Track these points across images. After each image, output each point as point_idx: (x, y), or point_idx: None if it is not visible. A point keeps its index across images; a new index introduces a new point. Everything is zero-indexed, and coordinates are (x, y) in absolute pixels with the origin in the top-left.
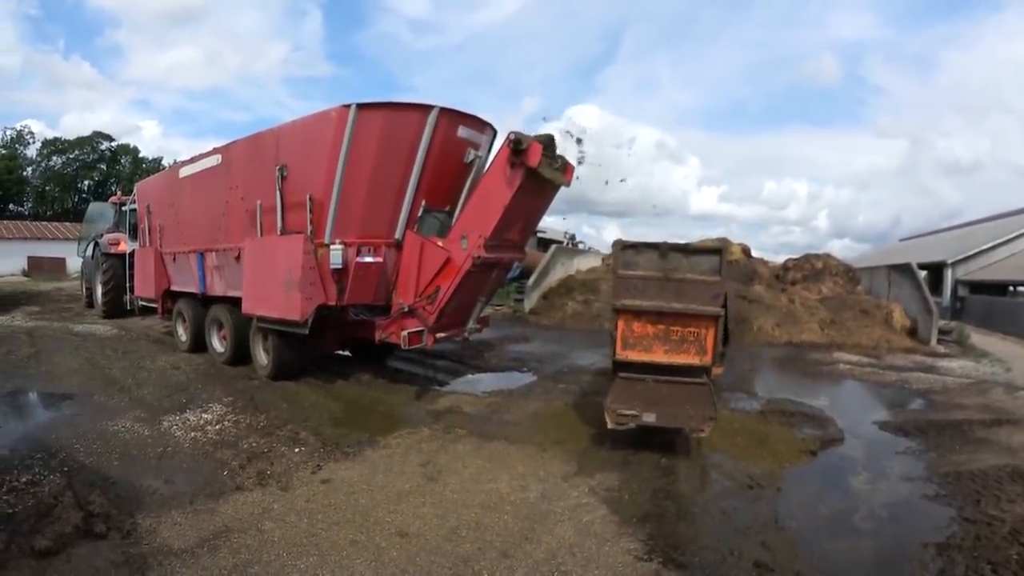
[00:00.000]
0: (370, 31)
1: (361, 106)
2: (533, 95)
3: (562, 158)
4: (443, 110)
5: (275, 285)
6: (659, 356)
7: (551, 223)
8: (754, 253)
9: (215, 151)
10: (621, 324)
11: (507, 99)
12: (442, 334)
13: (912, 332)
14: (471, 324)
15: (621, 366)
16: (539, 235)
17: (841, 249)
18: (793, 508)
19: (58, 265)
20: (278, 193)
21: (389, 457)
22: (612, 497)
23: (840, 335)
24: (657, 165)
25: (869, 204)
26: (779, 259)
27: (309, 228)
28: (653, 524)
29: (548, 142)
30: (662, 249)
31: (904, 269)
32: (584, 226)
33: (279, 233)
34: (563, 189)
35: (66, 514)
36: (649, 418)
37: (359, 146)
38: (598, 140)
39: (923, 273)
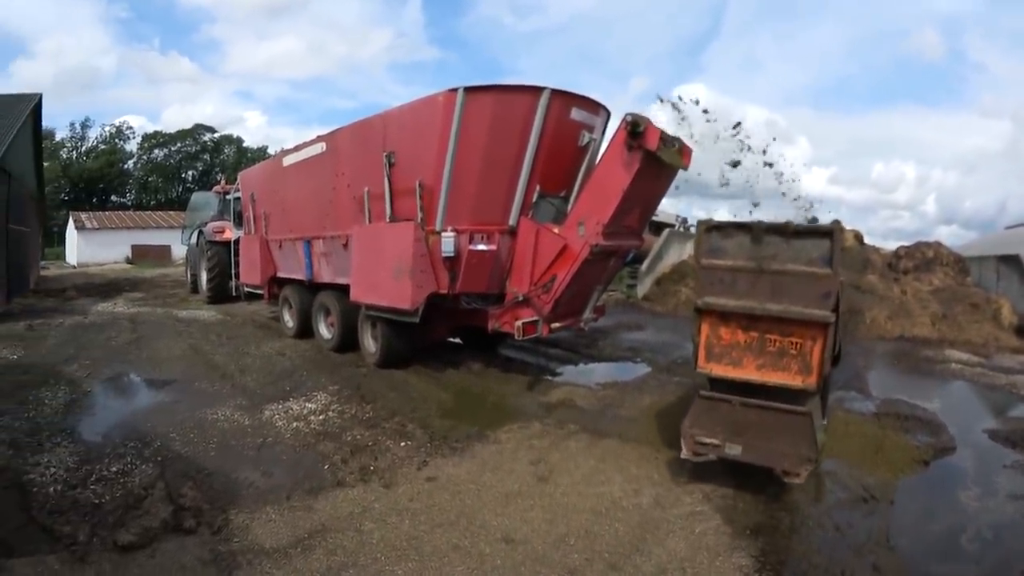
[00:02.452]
0: (471, 15)
1: (469, 89)
2: (640, 75)
3: (679, 140)
4: (555, 92)
5: (384, 273)
6: (750, 372)
7: (662, 205)
8: (865, 239)
9: (319, 139)
10: (705, 328)
11: (614, 80)
12: (557, 324)
13: (1019, 330)
14: (587, 313)
15: (716, 382)
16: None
17: (948, 236)
18: (904, 524)
19: (163, 252)
20: (386, 180)
21: (499, 454)
22: (726, 505)
23: (951, 331)
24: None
25: (976, 188)
26: (888, 245)
27: (419, 215)
28: (766, 538)
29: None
30: (756, 231)
31: (1013, 261)
32: (695, 208)
33: (388, 220)
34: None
35: (155, 507)
36: (733, 451)
37: (469, 130)
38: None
39: None
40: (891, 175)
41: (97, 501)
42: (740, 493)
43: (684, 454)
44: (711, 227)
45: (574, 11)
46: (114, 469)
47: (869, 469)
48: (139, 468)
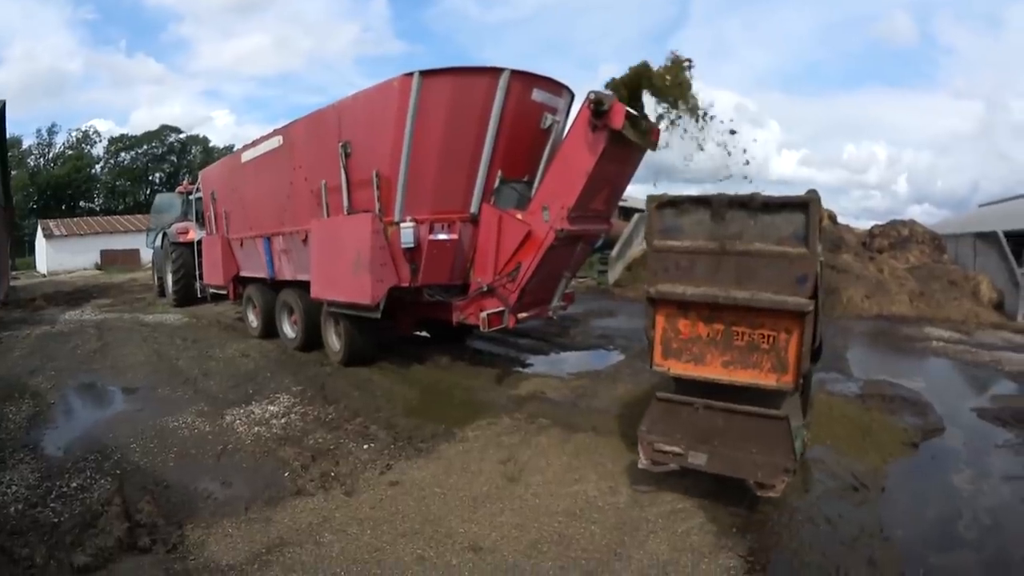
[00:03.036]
0: (437, 7)
1: (425, 73)
2: (609, 62)
3: (647, 119)
4: (515, 72)
5: (344, 267)
6: (716, 371)
7: (632, 191)
8: (838, 219)
9: (275, 132)
10: (661, 320)
11: (583, 68)
12: (524, 314)
13: (999, 306)
14: (555, 302)
15: (682, 381)
16: (620, 204)
17: (921, 215)
18: (898, 513)
19: (131, 256)
20: (343, 171)
21: (466, 453)
22: (710, 501)
23: (930, 308)
24: (738, 129)
25: (948, 168)
26: (862, 225)
27: (377, 206)
28: (754, 535)
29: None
30: (716, 206)
31: (990, 238)
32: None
33: (346, 213)
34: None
35: (110, 524)
36: (697, 460)
37: (426, 116)
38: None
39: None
40: (862, 156)
41: (56, 520)
42: (724, 487)
43: (642, 463)
44: (664, 203)
45: (540, 2)
46: (74, 485)
47: (857, 455)
48: (98, 483)
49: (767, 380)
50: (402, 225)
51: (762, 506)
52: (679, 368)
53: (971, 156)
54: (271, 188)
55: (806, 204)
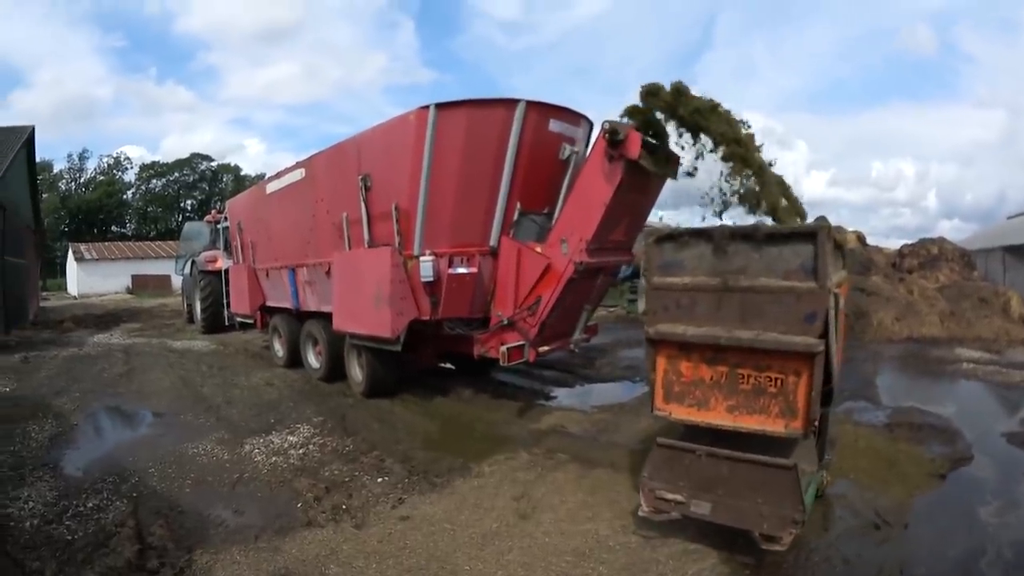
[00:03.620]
0: (463, 37)
1: (440, 106)
2: (636, 88)
3: (666, 147)
4: (530, 103)
5: (364, 300)
6: (720, 416)
7: (665, 217)
8: (867, 239)
9: (298, 165)
10: (662, 362)
11: (610, 94)
12: (545, 347)
13: None
14: (577, 335)
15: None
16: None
17: (951, 230)
18: (920, 551)
19: (162, 282)
20: (363, 204)
21: (480, 488)
22: (724, 540)
23: (960, 328)
24: (766, 152)
25: (975, 180)
26: (892, 244)
27: (397, 239)
28: None
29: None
30: (717, 239)
31: (1020, 251)
32: (698, 219)
33: (366, 246)
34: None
35: (122, 545)
36: (700, 509)
37: (443, 148)
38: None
39: None
40: (890, 173)
41: (70, 537)
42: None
43: (643, 511)
44: (662, 237)
45: (566, 27)
46: (90, 505)
47: (881, 489)
48: (114, 504)
49: (775, 426)
50: (421, 259)
51: None
52: (682, 413)
53: (995, 166)
54: (295, 220)
55: (814, 233)
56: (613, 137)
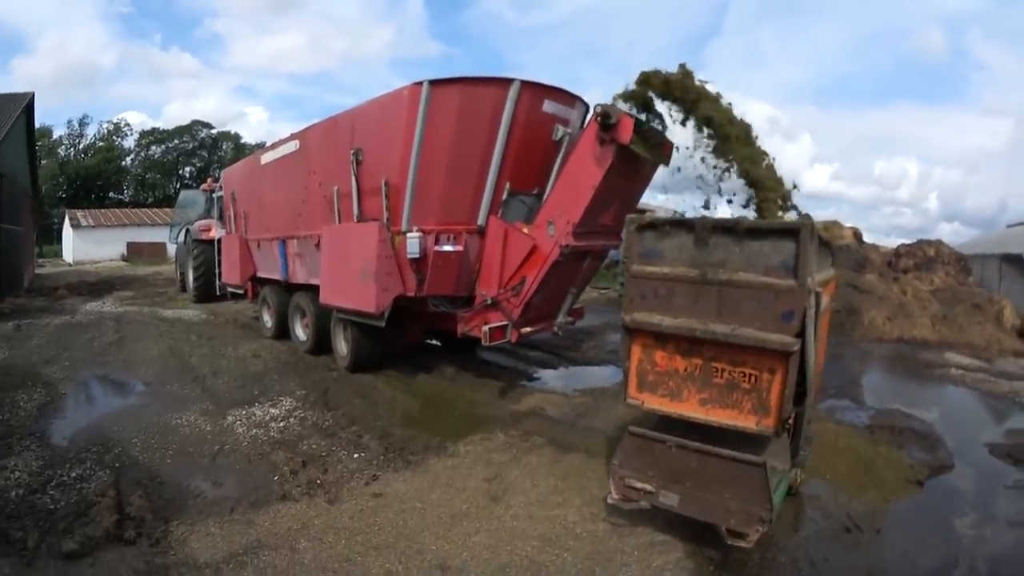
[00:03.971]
0: (473, 10)
1: (434, 82)
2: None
3: (659, 132)
4: (525, 83)
5: (351, 275)
6: (692, 408)
7: (663, 201)
8: (866, 236)
9: (293, 136)
10: (637, 351)
11: (617, 74)
12: (528, 328)
13: (1022, 333)
14: (561, 317)
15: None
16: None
17: (950, 234)
18: (890, 558)
19: (158, 249)
20: (354, 178)
21: (454, 468)
22: (692, 534)
23: (952, 332)
24: (770, 141)
25: (978, 186)
26: (890, 242)
27: (385, 215)
28: (730, 574)
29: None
30: (699, 230)
31: (1016, 260)
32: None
33: (356, 220)
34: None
35: (101, 516)
36: (668, 500)
37: (434, 125)
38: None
39: None
40: (893, 172)
41: (52, 507)
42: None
43: (612, 498)
44: (643, 225)
45: (576, 5)
46: (74, 474)
47: (857, 492)
48: (96, 474)
49: (747, 422)
50: (408, 235)
51: None
52: (654, 403)
53: (1000, 174)
54: (288, 191)
55: (797, 231)
56: (605, 121)
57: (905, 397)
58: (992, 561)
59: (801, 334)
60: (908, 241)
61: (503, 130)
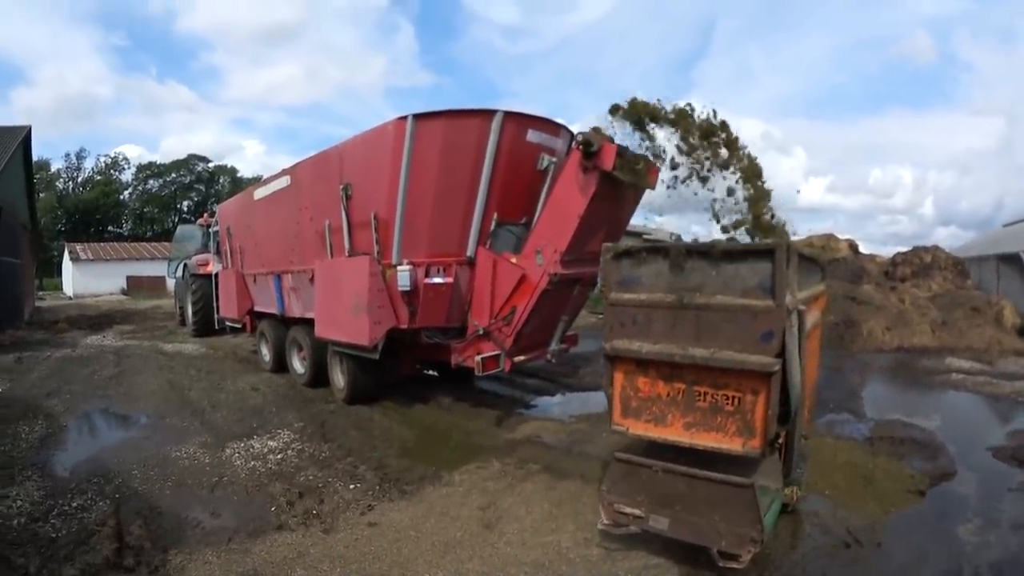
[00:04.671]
0: (463, 40)
1: (418, 116)
2: (634, 93)
3: (644, 157)
4: (508, 114)
5: (344, 308)
6: (677, 432)
7: (660, 223)
8: (862, 247)
9: (284, 172)
10: (619, 378)
11: (608, 98)
12: (521, 357)
13: (1022, 331)
14: (554, 345)
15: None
16: (644, 238)
17: (947, 238)
18: (892, 571)
19: (157, 283)
20: (344, 212)
21: (448, 497)
22: (687, 556)
23: (952, 337)
24: (764, 157)
25: (972, 188)
26: (887, 251)
27: (375, 248)
28: None
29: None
30: (674, 255)
31: (1013, 260)
32: (694, 225)
33: (347, 254)
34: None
35: (101, 544)
36: (658, 524)
37: (420, 159)
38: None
39: None
40: (888, 180)
41: (54, 535)
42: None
43: (603, 523)
44: (620, 253)
45: (566, 33)
46: (75, 504)
47: (857, 506)
48: (97, 504)
49: (732, 444)
50: (399, 268)
51: None
52: (639, 428)
53: (994, 173)
54: (281, 226)
55: (772, 251)
56: (587, 148)
57: (905, 406)
58: (996, 567)
59: (782, 354)
60: (906, 248)
61: (488, 161)
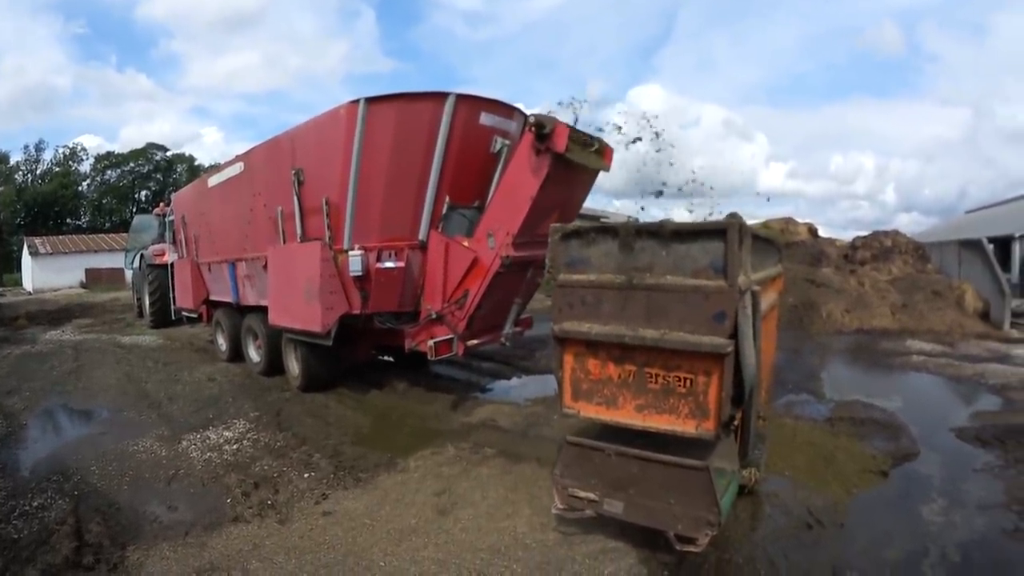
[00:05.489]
0: (425, 26)
1: (371, 100)
2: (595, 79)
3: (599, 140)
4: (460, 96)
5: (297, 295)
6: (629, 415)
7: (620, 206)
8: (823, 231)
9: (237, 158)
10: (569, 360)
11: (570, 85)
12: (475, 341)
13: (984, 315)
14: (508, 328)
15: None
16: (602, 221)
17: (909, 224)
18: (855, 553)
19: (116, 275)
20: (296, 198)
21: (403, 484)
22: (645, 539)
23: (912, 320)
24: (726, 143)
25: (935, 176)
26: (848, 236)
27: (327, 234)
28: None
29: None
30: (624, 235)
31: (974, 245)
32: (653, 208)
33: (299, 240)
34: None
35: (61, 543)
36: (613, 508)
37: (372, 143)
38: (664, 120)
39: (990, 247)
40: (849, 167)
41: (16, 536)
42: None
43: (557, 507)
44: (568, 233)
45: (527, 20)
46: (36, 504)
47: (817, 487)
48: (57, 503)
49: (685, 427)
50: (350, 253)
51: None
52: (590, 411)
53: (958, 163)
54: (235, 214)
55: (724, 231)
56: (540, 130)
57: (866, 387)
58: (963, 547)
59: (735, 335)
60: (864, 233)
61: (440, 145)
